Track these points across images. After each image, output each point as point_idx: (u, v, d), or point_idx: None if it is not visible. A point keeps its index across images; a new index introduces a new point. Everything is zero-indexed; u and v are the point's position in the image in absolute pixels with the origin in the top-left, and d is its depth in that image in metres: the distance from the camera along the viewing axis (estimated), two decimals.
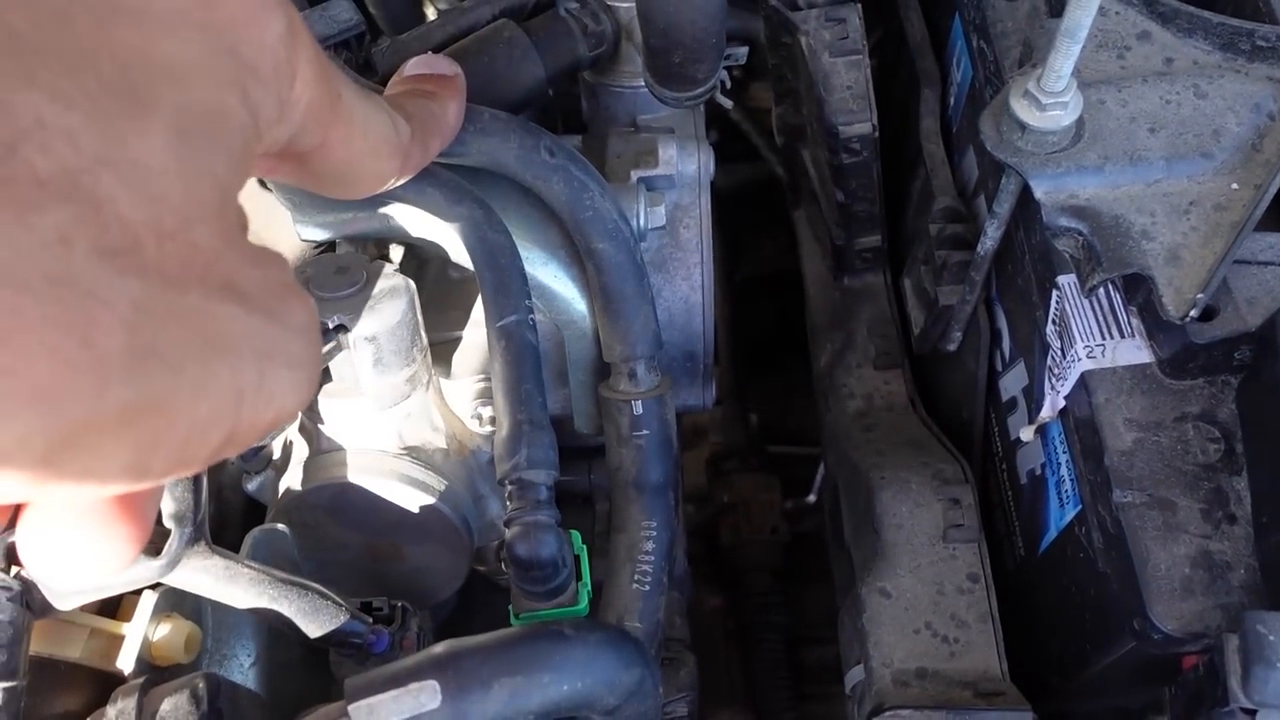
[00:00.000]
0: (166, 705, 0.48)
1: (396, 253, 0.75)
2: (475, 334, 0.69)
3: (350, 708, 0.44)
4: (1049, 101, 0.57)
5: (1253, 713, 0.50)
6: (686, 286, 0.75)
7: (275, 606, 0.50)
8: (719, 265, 1.38)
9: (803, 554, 1.21)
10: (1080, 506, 0.63)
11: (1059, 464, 0.67)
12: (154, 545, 0.45)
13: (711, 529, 1.22)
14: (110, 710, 0.50)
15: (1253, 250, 0.59)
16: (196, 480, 0.46)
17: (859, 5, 0.79)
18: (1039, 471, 0.71)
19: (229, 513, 0.68)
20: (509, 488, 0.54)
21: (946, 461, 0.77)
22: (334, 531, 0.61)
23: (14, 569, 0.45)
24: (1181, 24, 0.65)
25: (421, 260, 0.75)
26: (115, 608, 0.57)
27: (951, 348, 0.82)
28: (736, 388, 1.28)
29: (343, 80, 0.42)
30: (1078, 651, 0.66)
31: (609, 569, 0.66)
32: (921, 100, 0.86)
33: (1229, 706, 0.50)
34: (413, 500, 0.60)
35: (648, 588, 0.65)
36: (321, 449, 0.60)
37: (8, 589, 0.44)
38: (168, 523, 0.45)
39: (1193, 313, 0.55)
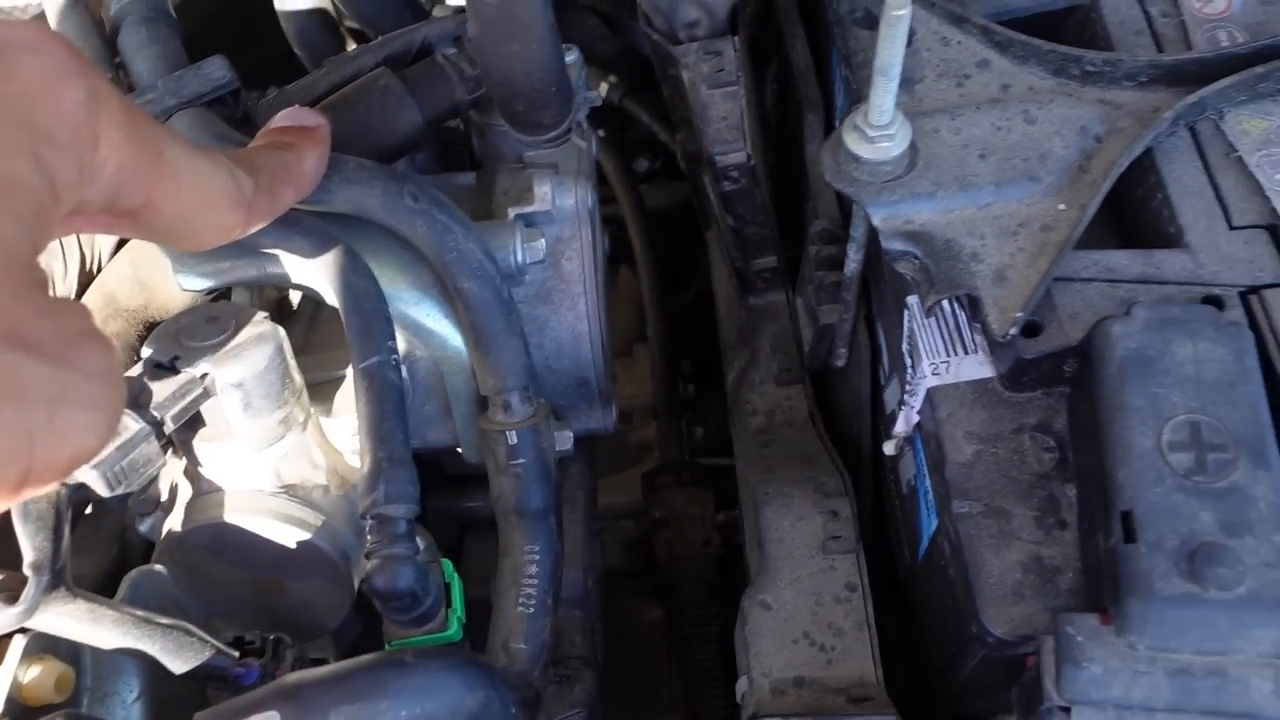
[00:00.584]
0: None
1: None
2: None
3: None
4: (875, 135, 0.60)
5: (1068, 710, 0.53)
6: (572, 316, 0.77)
7: (139, 645, 0.52)
8: (654, 286, 1.42)
9: (738, 565, 1.24)
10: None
11: (924, 475, 0.69)
12: (12, 593, 0.47)
13: (648, 544, 1.24)
14: None
15: (1076, 268, 0.61)
16: (56, 529, 0.49)
17: (735, 39, 0.82)
18: (913, 482, 0.74)
19: (131, 552, 0.71)
20: (370, 522, 0.57)
21: (830, 475, 0.80)
22: (217, 570, 0.64)
23: None
24: (1017, 51, 0.67)
25: (318, 301, 0.78)
26: None
27: (839, 363, 0.84)
28: (671, 404, 1.31)
29: (166, 138, 0.45)
30: (948, 655, 0.69)
31: (495, 593, 0.69)
32: (805, 125, 0.89)
33: (1046, 704, 0.53)
34: (289, 536, 0.63)
35: (532, 610, 0.68)
36: (201, 490, 0.63)
37: None
38: (26, 571, 0.48)
39: (1013, 330, 0.58)
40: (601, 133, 1.33)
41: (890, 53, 0.55)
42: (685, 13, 0.80)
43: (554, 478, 0.70)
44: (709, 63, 0.81)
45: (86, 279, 0.77)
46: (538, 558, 0.68)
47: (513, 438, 0.67)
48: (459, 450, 0.76)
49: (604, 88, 1.29)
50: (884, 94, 0.57)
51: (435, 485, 0.88)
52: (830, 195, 0.86)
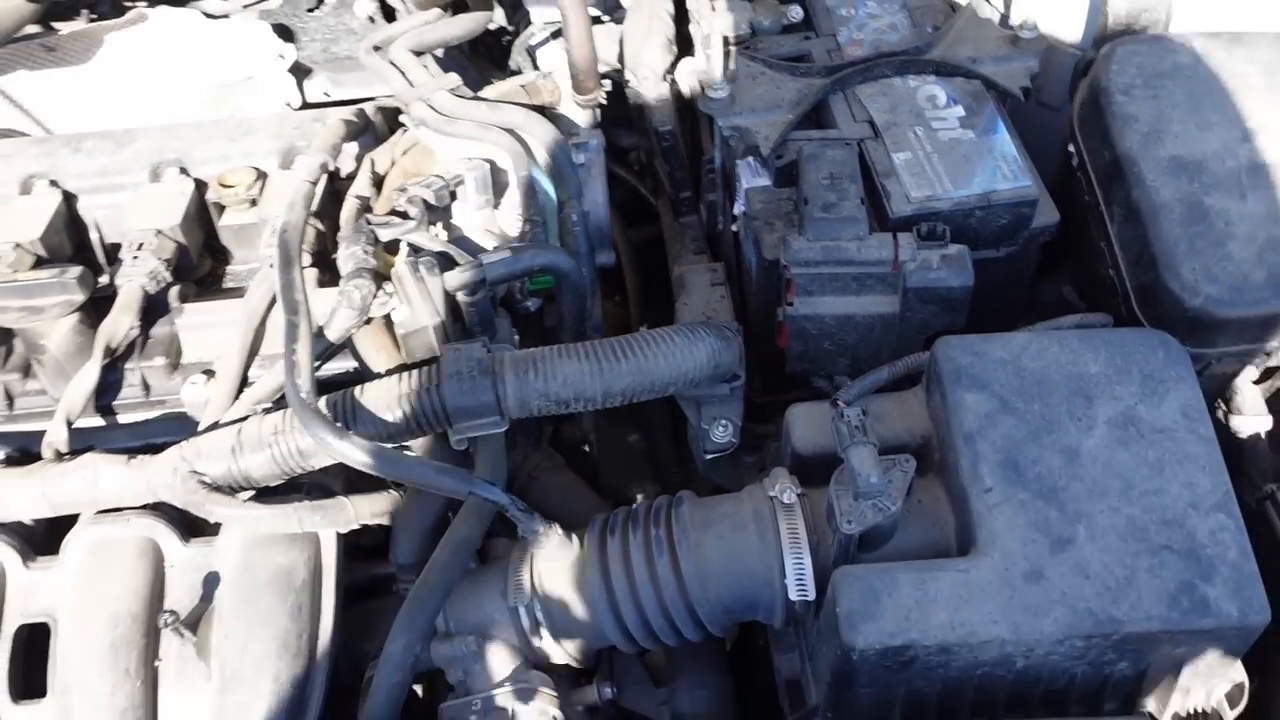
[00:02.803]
0: None
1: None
2: None
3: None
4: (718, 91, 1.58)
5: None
6: (596, 192, 1.72)
7: None
8: (637, 288, 2.35)
9: None
10: None
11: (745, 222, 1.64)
12: None
13: None
14: None
15: (797, 134, 1.59)
16: None
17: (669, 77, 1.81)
18: (738, 231, 1.68)
19: None
20: None
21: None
22: None
23: None
24: (778, 69, 1.67)
25: None
26: None
27: (721, 226, 1.79)
28: None
29: None
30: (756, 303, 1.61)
31: None
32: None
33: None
34: None
35: None
36: None
37: None
38: None
39: (774, 158, 1.54)
40: None
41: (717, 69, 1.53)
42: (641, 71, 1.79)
43: None
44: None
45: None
46: None
47: None
48: None
49: None
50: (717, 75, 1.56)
51: None
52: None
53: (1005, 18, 1.73)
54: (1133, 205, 1.44)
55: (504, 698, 1.32)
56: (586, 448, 1.76)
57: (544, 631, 1.33)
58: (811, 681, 1.35)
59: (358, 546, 1.44)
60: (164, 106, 2.14)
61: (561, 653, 1.36)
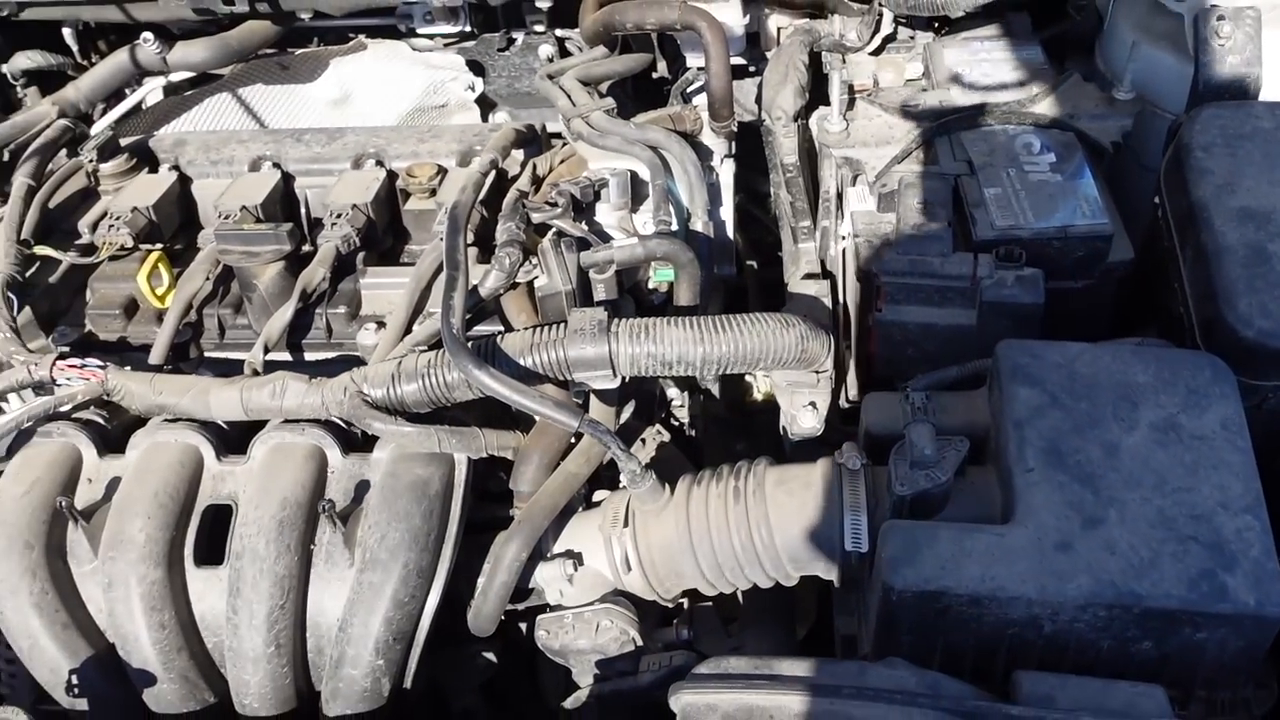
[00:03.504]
0: None
1: None
2: None
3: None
4: (837, 127, 1.81)
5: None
6: (720, 208, 1.96)
7: None
8: None
9: None
10: None
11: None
12: None
13: None
14: None
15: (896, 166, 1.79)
16: None
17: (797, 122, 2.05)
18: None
19: None
20: None
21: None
22: None
23: None
24: (894, 114, 1.89)
25: None
26: None
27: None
28: None
29: None
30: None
31: None
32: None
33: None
34: None
35: None
36: None
37: None
38: None
39: (880, 186, 1.75)
40: None
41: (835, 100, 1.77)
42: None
43: None
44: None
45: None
46: None
47: None
48: None
49: None
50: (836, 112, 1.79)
51: None
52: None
53: (1109, 82, 1.91)
54: (1201, 247, 1.58)
55: (592, 614, 1.54)
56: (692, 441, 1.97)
57: (632, 563, 1.54)
58: (864, 637, 1.52)
59: (484, 491, 1.69)
60: (369, 124, 2.51)
61: (647, 587, 1.57)
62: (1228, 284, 1.53)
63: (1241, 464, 1.37)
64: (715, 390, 2.06)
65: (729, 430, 2.23)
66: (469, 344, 1.52)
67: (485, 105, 2.63)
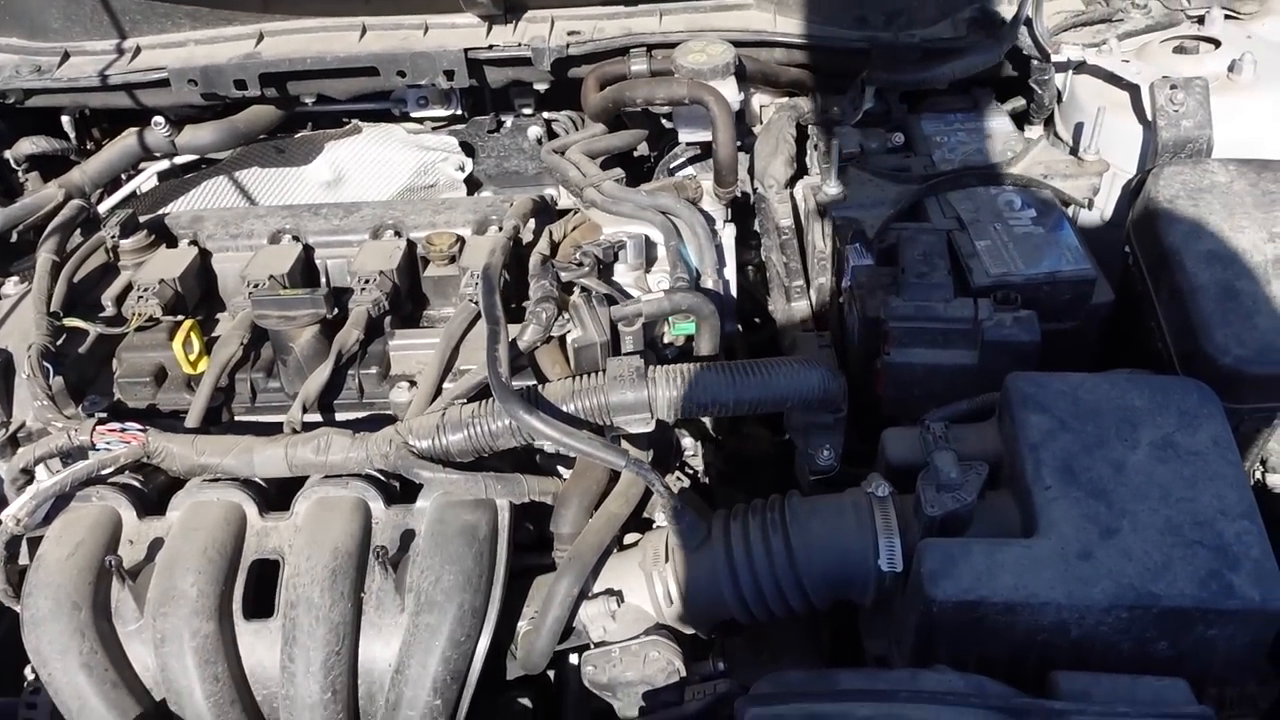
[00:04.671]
0: None
1: None
2: None
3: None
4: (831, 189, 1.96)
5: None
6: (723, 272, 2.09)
7: None
8: None
9: None
10: None
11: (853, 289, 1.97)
12: None
13: None
14: None
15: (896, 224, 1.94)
16: None
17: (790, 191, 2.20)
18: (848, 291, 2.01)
19: None
20: None
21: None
22: None
23: None
24: (884, 176, 2.05)
25: None
26: None
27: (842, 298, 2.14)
28: None
29: None
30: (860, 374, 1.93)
31: None
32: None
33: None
34: None
35: None
36: None
37: None
38: None
39: (877, 240, 1.89)
40: None
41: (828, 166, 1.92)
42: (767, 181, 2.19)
43: None
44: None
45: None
46: None
47: None
48: None
49: None
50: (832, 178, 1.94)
51: None
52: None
53: (1073, 149, 2.10)
54: (1176, 287, 1.75)
55: (639, 647, 1.60)
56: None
57: (674, 596, 1.61)
58: (897, 654, 1.60)
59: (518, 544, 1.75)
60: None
61: (686, 622, 1.64)
62: (1204, 318, 1.69)
63: (1234, 475, 1.51)
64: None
65: (728, 481, 2.31)
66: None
67: (472, 185, 2.75)
